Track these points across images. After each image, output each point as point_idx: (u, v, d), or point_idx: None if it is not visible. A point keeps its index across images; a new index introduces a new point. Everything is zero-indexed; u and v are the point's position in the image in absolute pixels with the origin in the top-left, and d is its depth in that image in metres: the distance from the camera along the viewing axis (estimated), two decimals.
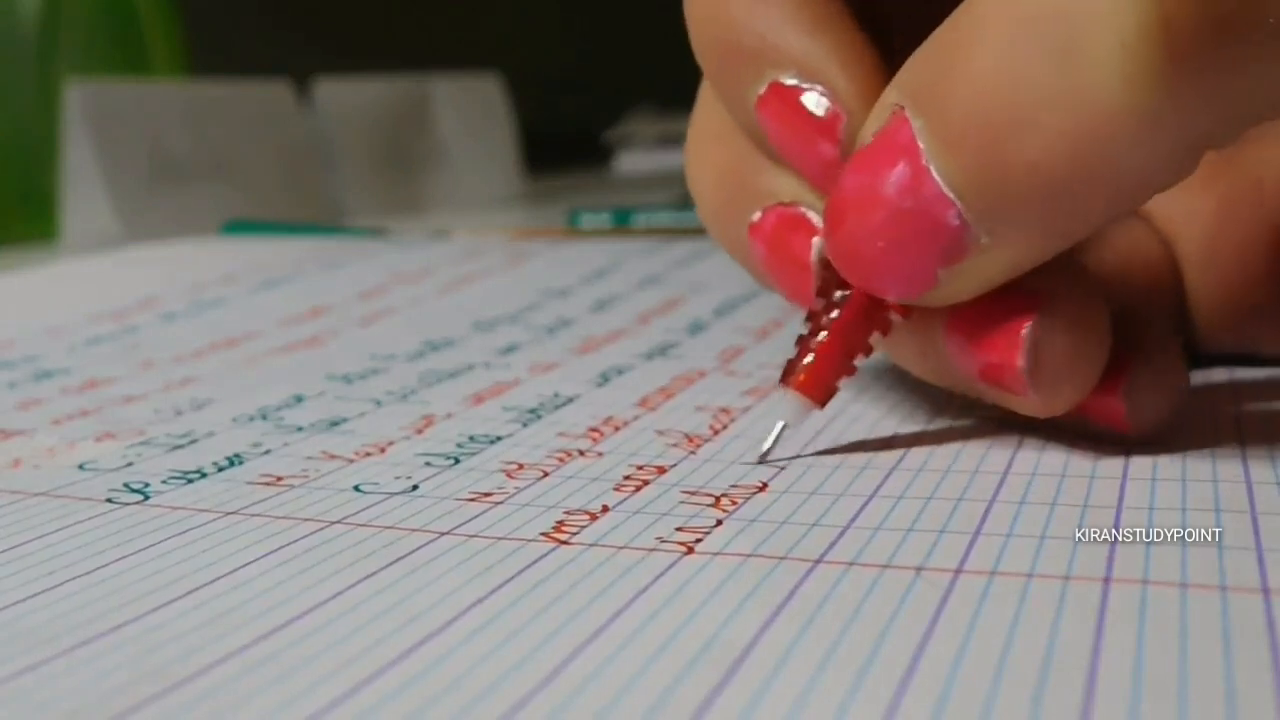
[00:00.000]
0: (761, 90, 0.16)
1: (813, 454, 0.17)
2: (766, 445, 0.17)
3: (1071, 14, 0.13)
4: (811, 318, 0.16)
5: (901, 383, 0.20)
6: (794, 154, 0.16)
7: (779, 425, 0.16)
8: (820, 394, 0.16)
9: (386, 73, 0.63)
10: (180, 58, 0.58)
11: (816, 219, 0.17)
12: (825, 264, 0.16)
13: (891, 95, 0.15)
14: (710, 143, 0.19)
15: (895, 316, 0.16)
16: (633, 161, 0.60)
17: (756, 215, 0.17)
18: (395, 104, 0.62)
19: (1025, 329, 0.15)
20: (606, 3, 0.91)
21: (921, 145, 0.14)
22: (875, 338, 0.16)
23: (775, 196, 0.17)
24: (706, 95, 0.19)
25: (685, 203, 0.56)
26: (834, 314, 0.16)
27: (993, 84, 0.13)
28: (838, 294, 0.16)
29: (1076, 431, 0.17)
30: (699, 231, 0.43)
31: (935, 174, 0.14)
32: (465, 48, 0.80)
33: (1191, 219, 0.20)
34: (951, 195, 0.14)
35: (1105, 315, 0.16)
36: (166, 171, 0.50)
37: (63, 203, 0.48)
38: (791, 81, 0.16)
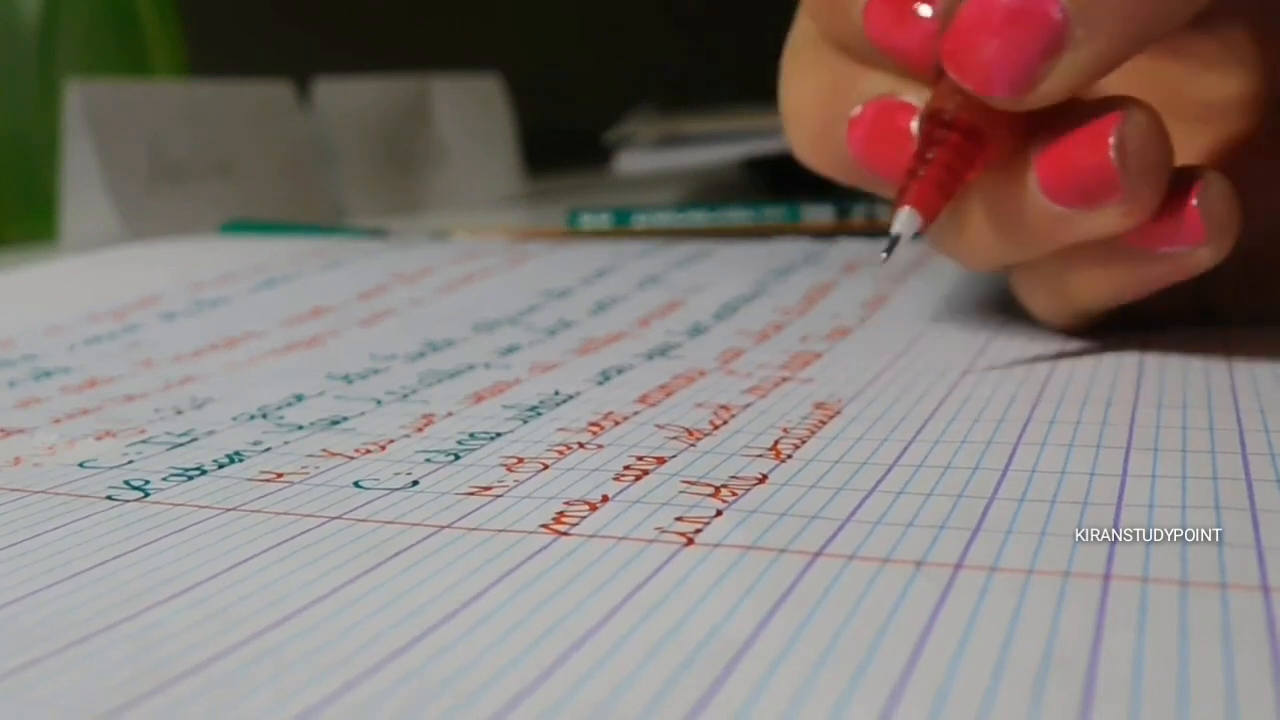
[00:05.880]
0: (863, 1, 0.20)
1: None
2: (889, 240, 0.19)
3: None
4: (917, 161, 0.19)
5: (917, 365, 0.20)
6: (899, 39, 0.20)
7: (895, 231, 0.19)
8: (927, 210, 0.19)
9: (386, 73, 0.63)
10: (180, 58, 0.58)
11: (914, 99, 0.20)
12: (926, 119, 0.19)
13: None
14: (809, 68, 0.22)
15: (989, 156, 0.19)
16: (633, 161, 0.60)
17: (856, 110, 0.21)
18: (395, 104, 0.62)
19: (1113, 130, 0.18)
20: (607, 3, 0.91)
21: None
22: (974, 204, 0.19)
23: (872, 94, 0.21)
24: (798, 34, 0.23)
25: (685, 203, 0.56)
26: (932, 154, 0.19)
27: None
28: (939, 134, 0.19)
29: (1151, 276, 0.20)
30: (699, 232, 0.43)
31: None
32: (465, 48, 0.81)
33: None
34: None
35: (1166, 129, 0.18)
36: (166, 171, 0.50)
37: (63, 203, 0.48)
38: None
